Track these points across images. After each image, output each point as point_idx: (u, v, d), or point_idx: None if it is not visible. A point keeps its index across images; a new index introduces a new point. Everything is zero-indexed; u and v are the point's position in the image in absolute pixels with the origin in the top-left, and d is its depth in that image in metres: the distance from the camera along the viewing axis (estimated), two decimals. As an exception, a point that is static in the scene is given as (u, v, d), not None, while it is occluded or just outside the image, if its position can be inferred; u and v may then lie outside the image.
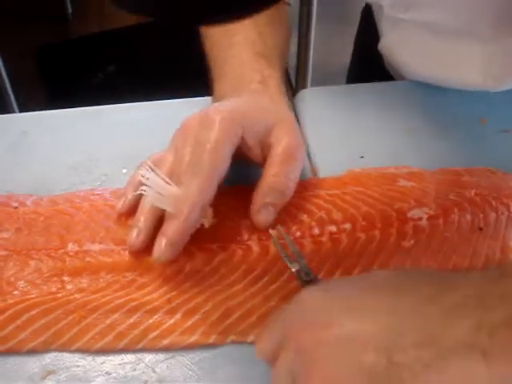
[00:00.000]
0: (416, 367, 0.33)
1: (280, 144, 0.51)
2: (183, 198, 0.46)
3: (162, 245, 0.47)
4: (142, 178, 0.48)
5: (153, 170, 0.47)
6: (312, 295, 0.41)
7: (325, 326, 0.37)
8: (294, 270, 0.45)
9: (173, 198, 0.47)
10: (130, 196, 0.52)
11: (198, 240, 0.50)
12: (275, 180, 0.50)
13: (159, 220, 0.49)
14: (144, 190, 0.48)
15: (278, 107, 0.56)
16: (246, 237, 0.51)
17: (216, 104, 0.54)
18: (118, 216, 0.52)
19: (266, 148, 0.52)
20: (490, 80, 0.65)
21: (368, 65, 0.83)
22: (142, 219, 0.49)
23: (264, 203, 0.50)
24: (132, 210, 0.51)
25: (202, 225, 0.49)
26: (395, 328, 0.35)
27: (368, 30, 0.79)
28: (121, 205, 0.52)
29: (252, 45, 0.61)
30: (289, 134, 0.53)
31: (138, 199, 0.51)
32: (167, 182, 0.47)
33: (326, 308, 0.38)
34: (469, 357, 0.32)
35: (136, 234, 0.49)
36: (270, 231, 0.49)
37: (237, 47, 0.60)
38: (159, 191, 0.47)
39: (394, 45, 0.72)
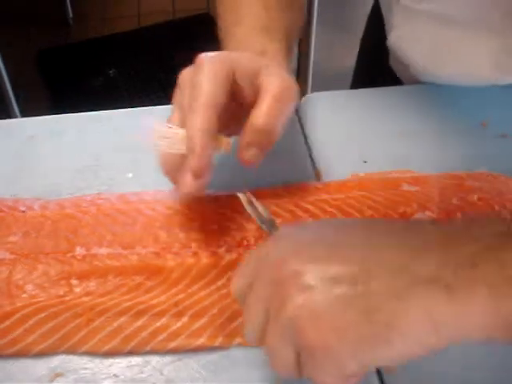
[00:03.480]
0: (387, 295, 0.35)
1: (270, 85, 0.51)
2: (189, 133, 0.47)
3: (187, 178, 0.48)
4: (156, 134, 0.49)
5: (161, 124, 0.49)
6: (286, 230, 0.43)
7: (299, 255, 0.38)
8: (265, 227, 0.48)
9: (183, 139, 0.48)
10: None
11: (205, 244, 0.50)
12: (262, 120, 0.50)
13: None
14: (157, 143, 0.49)
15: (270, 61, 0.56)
16: (252, 240, 0.51)
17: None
18: (119, 223, 0.53)
19: (256, 89, 0.52)
20: (498, 72, 0.66)
21: (374, 67, 0.83)
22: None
23: (248, 143, 0.50)
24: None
25: (223, 150, 0.49)
26: (369, 261, 0.37)
27: (375, 30, 0.79)
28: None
29: (258, 20, 0.61)
30: (278, 75, 0.53)
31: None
32: (177, 129, 0.49)
33: (299, 240, 0.40)
34: (433, 288, 0.35)
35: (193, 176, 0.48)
36: (238, 194, 0.50)
37: (243, 27, 0.61)
38: (171, 138, 0.49)
39: (404, 38, 0.72)
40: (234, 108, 0.51)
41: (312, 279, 0.37)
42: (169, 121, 0.52)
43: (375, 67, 0.83)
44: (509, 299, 0.34)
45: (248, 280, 0.40)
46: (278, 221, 0.49)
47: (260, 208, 0.49)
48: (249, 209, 0.49)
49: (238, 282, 0.42)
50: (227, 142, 0.50)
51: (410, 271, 0.36)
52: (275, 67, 0.54)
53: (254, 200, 0.50)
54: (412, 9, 0.68)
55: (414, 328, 0.35)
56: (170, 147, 0.49)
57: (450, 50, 0.68)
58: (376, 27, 0.79)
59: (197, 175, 0.47)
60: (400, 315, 0.35)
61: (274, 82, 0.51)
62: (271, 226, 0.48)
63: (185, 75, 0.52)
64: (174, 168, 0.50)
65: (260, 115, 0.50)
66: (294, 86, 0.54)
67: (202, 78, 0.49)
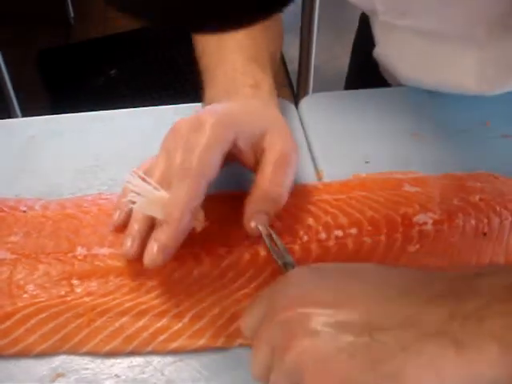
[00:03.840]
0: (395, 347, 0.35)
1: (273, 150, 0.51)
2: (172, 203, 0.46)
3: (153, 250, 0.46)
4: (130, 186, 0.47)
5: (140, 177, 0.47)
6: (299, 271, 0.43)
7: (309, 301, 0.38)
8: (280, 263, 0.47)
9: (162, 203, 0.46)
10: (124, 207, 0.51)
11: (206, 244, 0.50)
12: (268, 188, 0.50)
13: (152, 227, 0.48)
14: (132, 198, 0.47)
15: (270, 111, 0.56)
16: (253, 241, 0.51)
17: (208, 107, 0.54)
18: (116, 228, 0.52)
19: (258, 153, 0.52)
20: (485, 84, 0.65)
21: (366, 71, 0.83)
22: (136, 227, 0.49)
23: (257, 211, 0.50)
24: (128, 220, 0.51)
25: (194, 228, 0.48)
26: (377, 311, 0.36)
27: (366, 35, 0.79)
28: (116, 217, 0.52)
29: (244, 49, 0.60)
30: (282, 139, 0.52)
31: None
32: (155, 188, 0.47)
33: (310, 283, 0.40)
34: (441, 342, 0.34)
35: (130, 244, 0.49)
36: (259, 226, 0.49)
37: (228, 52, 0.60)
38: (148, 198, 0.47)
39: (388, 51, 0.72)
40: (226, 159, 0.50)
41: (318, 324, 0.36)
42: (153, 165, 0.50)
43: (366, 73, 0.83)
44: None
45: (258, 319, 0.40)
46: (293, 257, 0.48)
47: (278, 242, 0.49)
48: (267, 241, 0.49)
49: (248, 320, 0.42)
50: (203, 218, 0.49)
51: (416, 324, 0.35)
52: (278, 129, 0.53)
53: (273, 234, 0.49)
54: (392, 25, 0.67)
55: (420, 381, 0.34)
56: (146, 208, 0.47)
57: (433, 63, 0.68)
58: (366, 33, 0.79)
59: (164, 249, 0.46)
60: (406, 368, 0.34)
61: (277, 148, 0.51)
62: (287, 262, 0.47)
63: (183, 126, 0.50)
64: (143, 226, 0.49)
65: (267, 183, 0.50)
66: (296, 148, 0.53)
67: (201, 142, 0.47)
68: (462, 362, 0.33)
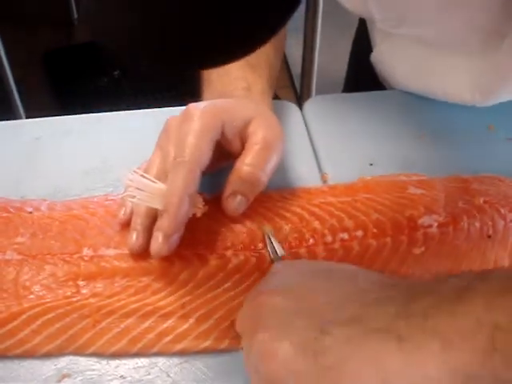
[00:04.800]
0: (340, 341, 0.36)
1: (255, 135, 0.52)
2: (170, 192, 0.48)
3: (158, 239, 0.48)
4: (129, 182, 0.49)
5: (139, 174, 0.49)
6: (279, 265, 0.48)
7: (275, 291, 0.42)
8: (271, 258, 0.50)
9: (161, 194, 0.48)
10: (129, 203, 0.52)
11: (212, 246, 0.51)
12: (246, 170, 0.51)
13: (155, 220, 0.50)
14: (132, 193, 0.49)
15: (259, 105, 0.57)
16: (259, 244, 0.51)
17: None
18: (121, 224, 0.53)
19: (244, 140, 0.53)
20: (478, 94, 0.66)
21: (363, 74, 0.83)
22: (139, 221, 0.50)
23: (233, 192, 0.51)
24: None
25: (194, 214, 0.50)
26: (332, 307, 0.39)
27: (364, 38, 0.80)
28: (122, 214, 0.53)
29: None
30: (266, 126, 0.54)
31: None
32: (153, 181, 0.49)
33: (284, 277, 0.44)
34: (384, 338, 0.35)
35: (135, 237, 0.50)
36: (264, 226, 0.52)
37: None
38: (147, 191, 0.49)
39: (384, 56, 0.73)
40: (217, 150, 0.52)
41: (277, 314, 0.40)
42: (149, 162, 0.53)
43: (364, 76, 0.83)
44: (460, 351, 0.32)
45: (243, 313, 0.44)
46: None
47: (276, 245, 0.50)
48: (268, 242, 0.51)
49: (239, 316, 0.45)
50: (201, 203, 0.50)
51: (364, 321, 0.36)
52: (264, 117, 0.55)
53: (271, 236, 0.51)
54: (389, 32, 0.68)
55: (360, 375, 0.35)
56: (146, 200, 0.49)
57: (428, 71, 0.68)
58: (365, 36, 0.79)
59: (168, 237, 0.48)
60: (348, 361, 0.35)
61: (260, 132, 0.52)
62: (276, 258, 0.50)
63: (173, 122, 0.52)
64: (146, 220, 0.51)
65: (245, 165, 0.51)
66: (281, 136, 0.55)
67: (191, 132, 0.49)
68: (403, 356, 0.34)
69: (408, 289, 0.38)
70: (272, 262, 0.50)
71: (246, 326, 0.43)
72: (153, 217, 0.50)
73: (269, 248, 0.50)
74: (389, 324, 0.35)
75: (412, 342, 0.34)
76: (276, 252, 0.50)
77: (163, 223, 0.48)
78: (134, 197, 0.49)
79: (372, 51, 0.75)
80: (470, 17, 0.59)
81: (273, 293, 0.42)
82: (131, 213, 0.52)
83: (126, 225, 0.52)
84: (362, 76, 0.84)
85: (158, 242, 0.48)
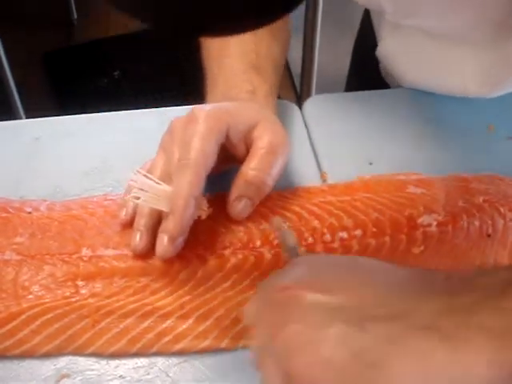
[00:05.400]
0: (382, 338, 0.34)
1: (261, 139, 0.53)
2: (176, 194, 0.48)
3: (164, 241, 0.48)
4: (133, 183, 0.49)
5: (142, 174, 0.49)
6: (301, 259, 0.44)
7: (305, 285, 0.39)
8: (287, 255, 0.46)
9: (166, 196, 0.48)
10: (131, 203, 0.52)
11: (211, 246, 0.51)
12: (252, 174, 0.51)
13: (159, 221, 0.50)
14: (137, 194, 0.49)
15: (263, 109, 0.57)
16: (258, 243, 0.51)
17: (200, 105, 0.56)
18: (123, 225, 0.53)
19: (249, 144, 0.53)
20: (486, 86, 0.66)
21: (366, 71, 0.83)
22: (142, 222, 0.50)
23: (239, 195, 0.51)
24: (134, 218, 0.52)
25: (199, 217, 0.50)
26: (371, 303, 0.37)
27: (367, 35, 0.80)
28: (123, 214, 0.53)
29: (245, 55, 0.62)
30: (271, 130, 0.54)
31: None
32: (158, 183, 0.49)
33: (310, 270, 0.41)
34: (429, 335, 0.33)
35: (139, 238, 0.50)
36: (274, 218, 0.50)
37: (230, 58, 0.62)
38: (152, 193, 0.49)
39: (392, 50, 0.73)
40: (221, 153, 0.52)
41: (310, 308, 0.37)
42: (152, 164, 0.53)
43: (367, 74, 0.83)
44: (508, 345, 0.31)
45: (256, 306, 0.41)
46: (301, 249, 0.49)
47: (289, 235, 0.48)
48: (278, 233, 0.49)
49: (248, 308, 0.42)
50: (206, 206, 0.50)
51: (406, 317, 0.35)
52: (269, 121, 0.55)
53: (285, 226, 0.49)
54: (398, 24, 0.68)
55: (402, 373, 0.34)
56: (151, 202, 0.49)
57: (436, 63, 0.68)
58: (368, 34, 0.79)
59: (173, 239, 0.48)
60: (390, 358, 0.34)
61: (266, 137, 0.52)
62: (294, 254, 0.46)
63: (177, 124, 0.52)
64: (149, 221, 0.50)
65: (251, 169, 0.51)
66: (286, 140, 0.55)
67: (196, 134, 0.49)
68: (449, 354, 0.33)
69: (449, 283, 0.37)
70: (286, 254, 0.47)
71: (265, 319, 0.40)
72: (156, 218, 0.50)
73: (282, 240, 0.48)
74: (431, 321, 0.34)
75: (457, 340, 0.32)
76: (291, 243, 0.47)
77: (169, 225, 0.48)
78: (138, 198, 0.49)
79: (376, 47, 0.75)
80: (482, 8, 0.59)
81: (302, 285, 0.39)
82: (133, 213, 0.52)
83: (127, 225, 0.52)
84: (365, 73, 0.84)
85: (163, 244, 0.48)
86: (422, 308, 0.35)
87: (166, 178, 0.50)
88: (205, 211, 0.50)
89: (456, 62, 0.67)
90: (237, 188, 0.52)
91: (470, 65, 0.66)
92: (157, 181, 0.49)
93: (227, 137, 0.51)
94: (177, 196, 0.48)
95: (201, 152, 0.49)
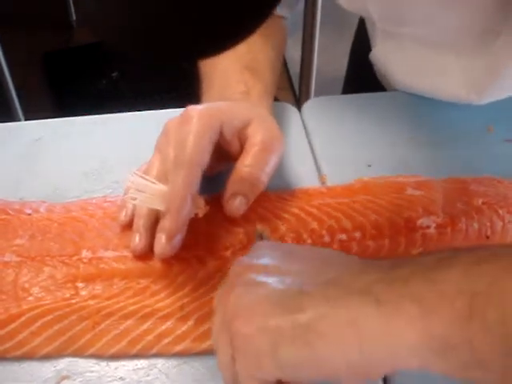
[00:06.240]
0: (320, 299, 0.36)
1: (255, 137, 0.53)
2: (171, 193, 0.48)
3: (162, 240, 0.49)
4: (130, 184, 0.50)
5: (139, 175, 0.50)
6: (257, 246, 0.46)
7: (255, 259, 0.42)
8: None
9: (162, 196, 0.49)
10: (129, 205, 0.53)
11: (210, 247, 0.51)
12: (247, 171, 0.52)
13: (157, 221, 0.50)
14: (133, 195, 0.49)
15: (256, 107, 0.58)
16: (257, 244, 0.51)
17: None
18: (122, 227, 0.53)
19: (243, 141, 0.54)
20: (474, 93, 0.66)
21: (363, 73, 0.84)
22: (141, 223, 0.51)
23: (234, 193, 0.52)
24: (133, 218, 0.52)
25: (196, 215, 0.50)
26: (313, 271, 0.39)
27: (364, 38, 0.80)
28: (123, 216, 0.53)
29: (240, 57, 0.62)
30: (265, 127, 0.54)
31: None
32: (154, 183, 0.49)
33: (262, 250, 0.44)
34: (364, 300, 0.35)
35: (138, 239, 0.50)
36: (258, 226, 0.52)
37: (225, 60, 0.62)
38: (148, 193, 0.49)
39: (384, 55, 0.73)
40: (216, 152, 0.52)
41: (255, 275, 0.40)
42: (148, 165, 0.53)
43: (364, 75, 0.84)
44: (439, 317, 0.33)
45: (221, 289, 0.44)
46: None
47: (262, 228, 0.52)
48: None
49: (217, 293, 0.45)
50: (203, 204, 0.51)
51: (345, 283, 0.37)
52: (262, 118, 0.55)
53: (264, 236, 0.52)
54: (389, 31, 0.69)
55: (335, 334, 0.35)
56: (148, 202, 0.50)
57: (426, 69, 0.69)
58: (365, 36, 0.80)
59: (171, 237, 0.48)
60: (325, 319, 0.35)
61: (260, 134, 0.53)
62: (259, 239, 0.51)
63: (172, 125, 0.53)
64: (148, 222, 0.51)
65: (245, 166, 0.52)
66: (280, 137, 0.55)
67: (190, 133, 0.50)
68: (382, 321, 0.34)
69: (391, 262, 0.38)
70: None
71: (221, 297, 0.42)
72: (154, 218, 0.51)
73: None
74: (368, 286, 0.35)
75: (391, 306, 0.34)
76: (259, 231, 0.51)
77: (166, 224, 0.48)
78: (135, 199, 0.49)
79: (371, 51, 0.75)
80: (466, 16, 0.59)
81: (253, 262, 0.41)
82: (132, 215, 0.52)
83: (127, 227, 0.53)
84: (362, 75, 0.85)
85: (161, 243, 0.49)
86: (361, 277, 0.37)
87: (163, 178, 0.51)
88: (202, 209, 0.50)
89: (446, 69, 0.67)
90: (231, 185, 0.52)
91: (457, 71, 0.66)
92: (153, 181, 0.50)
93: (221, 134, 0.52)
94: (173, 194, 0.48)
95: (195, 150, 0.49)
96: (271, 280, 0.39)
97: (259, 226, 0.53)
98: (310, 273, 0.39)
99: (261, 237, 0.51)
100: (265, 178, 0.53)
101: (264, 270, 0.40)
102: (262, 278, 0.39)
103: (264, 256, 0.42)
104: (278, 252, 0.43)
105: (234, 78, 0.61)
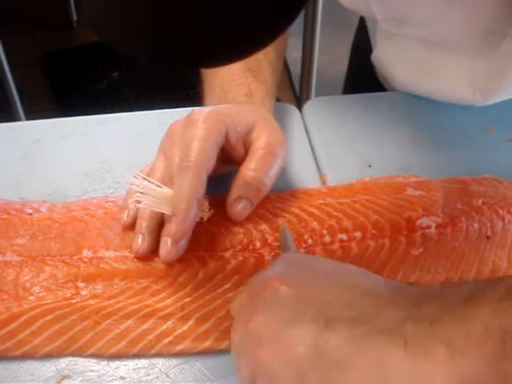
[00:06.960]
0: (345, 337, 0.35)
1: (260, 140, 0.53)
2: (177, 197, 0.48)
3: (167, 244, 0.48)
4: (134, 187, 0.49)
5: (143, 178, 0.49)
6: (285, 257, 0.45)
7: (281, 279, 0.40)
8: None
9: (167, 199, 0.49)
10: (132, 206, 0.52)
11: (211, 247, 0.51)
12: (251, 175, 0.52)
13: (160, 224, 0.50)
14: (138, 198, 0.49)
15: (259, 110, 0.58)
16: (258, 245, 0.51)
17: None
18: (124, 228, 0.53)
19: (247, 145, 0.54)
20: (478, 94, 0.66)
21: (363, 74, 0.84)
22: (144, 225, 0.51)
23: (238, 196, 0.52)
24: (135, 221, 0.52)
25: (201, 218, 0.50)
26: (338, 303, 0.37)
27: (364, 39, 0.80)
28: (125, 217, 0.53)
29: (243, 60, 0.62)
30: (269, 131, 0.54)
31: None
32: (159, 186, 0.49)
33: (289, 268, 0.42)
34: (391, 340, 0.34)
35: (141, 240, 0.50)
36: (280, 222, 0.52)
37: None
38: (154, 196, 0.49)
39: (386, 56, 0.73)
40: (221, 155, 0.52)
41: (279, 300, 0.38)
42: (152, 167, 0.53)
43: (364, 76, 0.84)
44: (468, 358, 0.32)
45: (240, 299, 0.42)
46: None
47: (289, 236, 0.50)
48: (279, 235, 0.51)
49: (235, 301, 0.43)
50: (207, 207, 0.50)
51: (372, 320, 0.35)
52: (266, 122, 0.55)
53: (287, 232, 0.51)
54: (391, 31, 0.68)
55: (361, 374, 0.34)
56: (153, 205, 0.49)
57: (429, 71, 0.69)
58: (365, 37, 0.80)
59: (177, 241, 0.48)
60: (350, 358, 0.34)
61: (264, 138, 0.53)
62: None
63: (176, 127, 0.52)
64: (151, 223, 0.51)
65: (249, 170, 0.52)
66: (284, 141, 0.55)
67: (196, 137, 0.50)
68: (409, 363, 0.33)
69: (417, 294, 0.37)
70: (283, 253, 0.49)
71: (242, 310, 0.41)
72: (158, 220, 0.51)
73: (282, 241, 0.50)
74: (395, 326, 0.34)
75: (419, 348, 0.33)
76: (289, 244, 0.49)
77: (172, 228, 0.48)
78: (140, 202, 0.49)
79: (372, 51, 0.76)
80: (471, 17, 0.59)
81: (280, 279, 0.40)
82: (134, 216, 0.52)
83: (128, 227, 0.53)
84: (363, 76, 0.85)
85: (167, 247, 0.48)
86: (388, 313, 0.35)
87: (167, 180, 0.51)
88: (206, 213, 0.50)
89: (450, 71, 0.67)
90: (236, 189, 0.52)
91: (461, 73, 0.66)
92: (158, 184, 0.49)
93: (226, 138, 0.52)
94: (179, 198, 0.48)
95: (201, 154, 0.49)
96: (295, 309, 0.38)
97: (281, 222, 0.53)
98: (335, 305, 0.37)
99: (284, 232, 0.50)
100: (268, 181, 0.53)
101: (288, 294, 0.39)
102: (286, 305, 0.38)
103: (287, 274, 0.41)
104: (301, 271, 0.41)
105: (235, 80, 0.61)
